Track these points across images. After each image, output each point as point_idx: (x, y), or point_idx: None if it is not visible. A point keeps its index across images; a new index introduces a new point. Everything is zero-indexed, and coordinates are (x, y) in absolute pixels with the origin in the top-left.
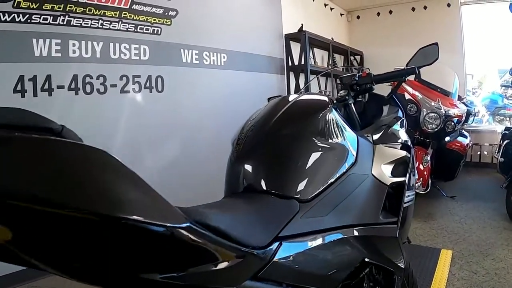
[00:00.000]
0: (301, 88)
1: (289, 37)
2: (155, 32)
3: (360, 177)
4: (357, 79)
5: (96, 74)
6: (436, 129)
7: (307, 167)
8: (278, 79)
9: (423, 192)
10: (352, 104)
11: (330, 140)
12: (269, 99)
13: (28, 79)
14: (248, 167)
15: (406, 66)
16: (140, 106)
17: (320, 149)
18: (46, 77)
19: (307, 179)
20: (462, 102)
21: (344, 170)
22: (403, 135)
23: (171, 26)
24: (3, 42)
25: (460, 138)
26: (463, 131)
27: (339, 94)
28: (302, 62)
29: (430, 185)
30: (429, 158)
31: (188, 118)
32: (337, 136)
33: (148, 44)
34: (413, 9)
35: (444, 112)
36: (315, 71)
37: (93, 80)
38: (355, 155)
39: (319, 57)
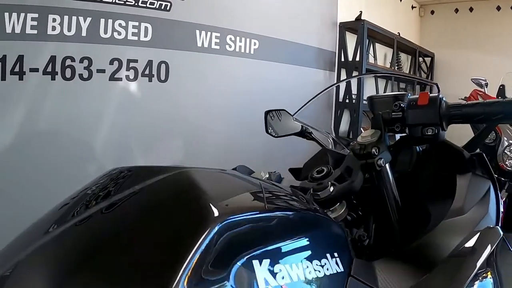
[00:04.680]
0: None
1: (345, 27)
2: (163, 7)
3: None
4: (404, 106)
5: (79, 56)
6: None
7: None
8: (326, 77)
9: None
10: (388, 166)
11: None
12: (267, 113)
13: None
14: None
15: None
16: (134, 98)
17: None
18: (17, 58)
19: None
20: None
21: None
22: None
23: (185, 1)
24: None
25: None
26: None
27: (359, 139)
28: (358, 59)
29: None
30: (502, 206)
31: (195, 118)
32: None
33: (151, 21)
34: (499, 8)
35: None
36: (373, 71)
37: (75, 63)
38: None
39: (381, 55)
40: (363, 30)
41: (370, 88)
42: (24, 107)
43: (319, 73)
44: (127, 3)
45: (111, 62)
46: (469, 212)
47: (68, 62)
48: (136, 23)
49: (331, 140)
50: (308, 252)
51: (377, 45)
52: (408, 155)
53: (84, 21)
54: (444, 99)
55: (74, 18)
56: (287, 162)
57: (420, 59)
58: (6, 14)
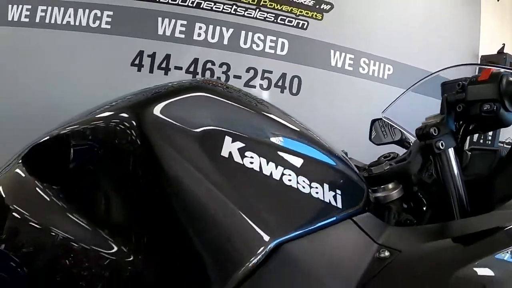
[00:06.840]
0: None
1: (486, 60)
2: (300, 25)
3: None
4: (465, 83)
5: (219, 61)
6: None
7: None
8: None
9: None
10: (452, 153)
11: None
12: (373, 121)
13: (147, 55)
14: None
15: None
16: None
17: None
18: (165, 56)
19: None
20: None
21: None
22: None
23: (322, 22)
24: (129, 17)
25: None
26: None
27: (423, 121)
28: None
29: None
30: None
31: (323, 135)
32: None
33: (288, 38)
34: None
35: None
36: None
37: (214, 67)
38: None
39: None
40: (505, 65)
41: None
42: None
43: None
44: (266, 19)
45: (247, 70)
46: None
47: (208, 65)
48: (274, 38)
49: None
50: (299, 167)
51: None
52: (489, 159)
53: (227, 31)
54: (509, 75)
55: (218, 28)
56: None
57: None
58: (159, 19)
